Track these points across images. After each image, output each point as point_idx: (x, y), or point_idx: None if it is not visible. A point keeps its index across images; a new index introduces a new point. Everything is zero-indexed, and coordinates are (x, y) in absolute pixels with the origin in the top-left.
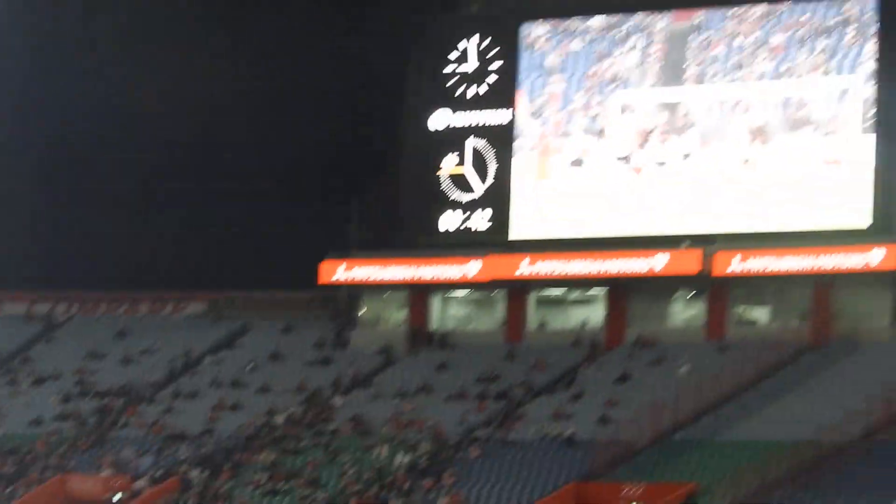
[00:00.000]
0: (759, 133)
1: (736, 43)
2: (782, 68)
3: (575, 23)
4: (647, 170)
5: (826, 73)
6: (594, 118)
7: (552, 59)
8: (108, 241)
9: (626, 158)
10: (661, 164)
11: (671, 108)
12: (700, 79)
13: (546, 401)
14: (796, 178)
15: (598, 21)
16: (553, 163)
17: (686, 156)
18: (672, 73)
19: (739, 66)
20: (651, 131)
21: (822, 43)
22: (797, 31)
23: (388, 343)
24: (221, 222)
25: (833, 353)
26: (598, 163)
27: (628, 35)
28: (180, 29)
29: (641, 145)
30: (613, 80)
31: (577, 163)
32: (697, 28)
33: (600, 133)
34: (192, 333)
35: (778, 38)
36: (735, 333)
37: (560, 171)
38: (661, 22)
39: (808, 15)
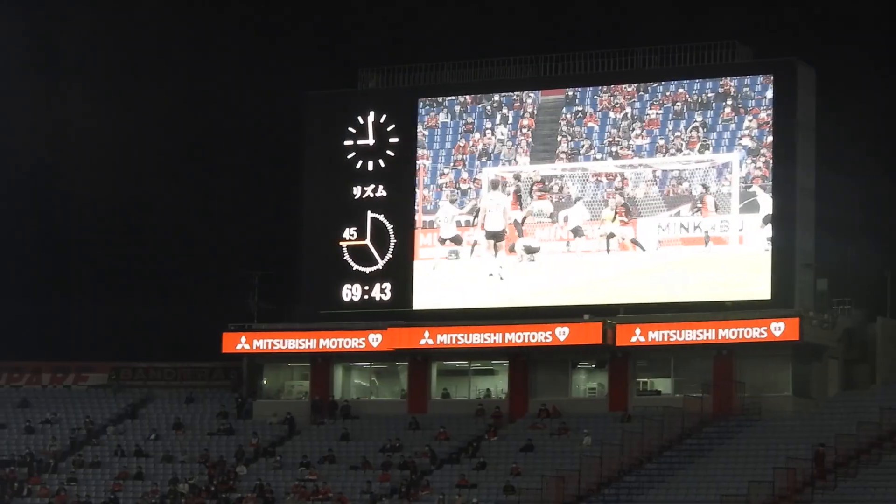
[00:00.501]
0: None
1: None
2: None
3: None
4: (526, 250)
5: (703, 149)
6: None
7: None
8: (9, 311)
9: (501, 237)
10: (537, 248)
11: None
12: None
13: (450, 470)
14: (684, 254)
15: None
16: (433, 238)
17: (568, 232)
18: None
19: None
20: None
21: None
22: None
23: (291, 413)
24: (123, 293)
25: (736, 424)
26: (475, 240)
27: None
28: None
29: (518, 225)
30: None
31: (457, 240)
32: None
33: (472, 211)
34: (94, 403)
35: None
36: (638, 404)
37: (442, 246)
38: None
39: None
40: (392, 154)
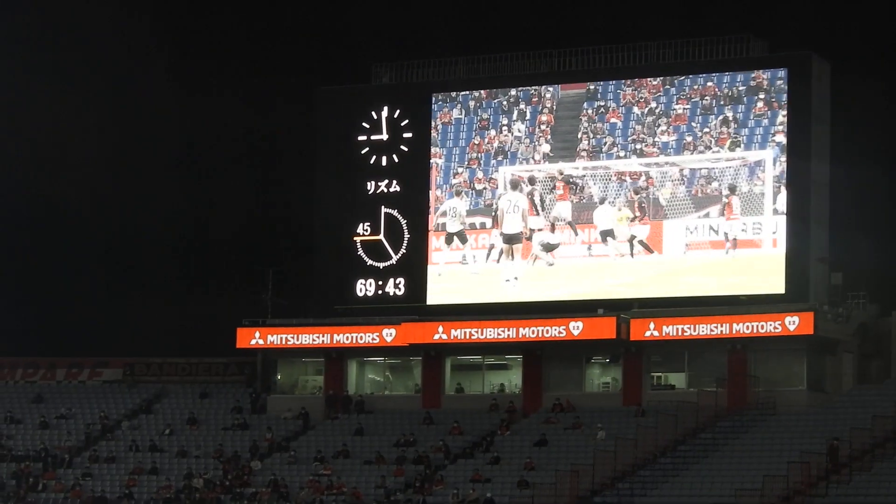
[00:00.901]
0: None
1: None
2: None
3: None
4: (544, 247)
5: (733, 146)
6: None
7: (431, 133)
8: (25, 307)
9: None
10: (556, 244)
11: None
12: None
13: (464, 465)
14: (706, 251)
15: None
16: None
17: (597, 235)
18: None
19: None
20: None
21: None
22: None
23: (306, 408)
24: (138, 289)
25: (750, 419)
26: (492, 244)
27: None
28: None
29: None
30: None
31: (462, 237)
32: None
33: (488, 212)
34: (109, 398)
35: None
36: (652, 398)
37: (449, 248)
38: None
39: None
40: (406, 149)
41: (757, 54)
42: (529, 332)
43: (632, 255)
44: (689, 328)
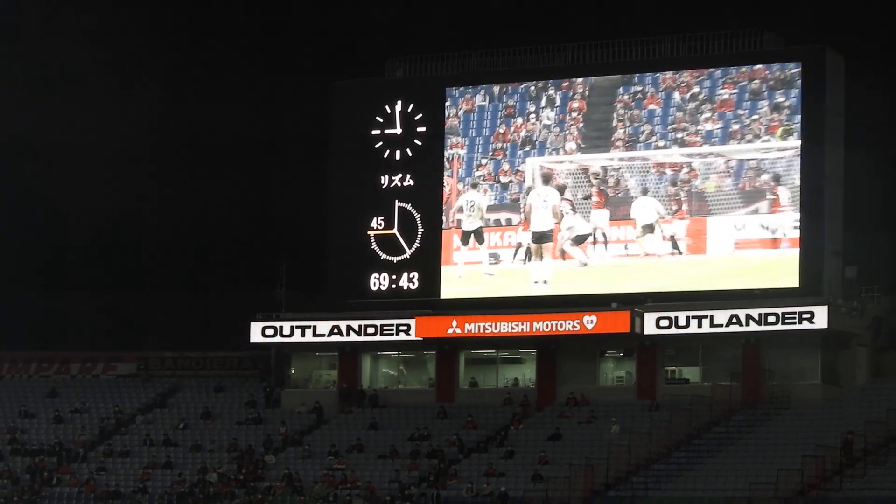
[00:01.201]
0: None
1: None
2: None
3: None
4: (574, 240)
5: (785, 135)
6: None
7: (451, 119)
8: (39, 301)
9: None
10: (586, 234)
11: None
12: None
13: (478, 459)
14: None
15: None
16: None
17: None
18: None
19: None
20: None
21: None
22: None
23: (319, 402)
24: (152, 283)
25: (764, 412)
26: (518, 242)
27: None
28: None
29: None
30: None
31: (479, 237)
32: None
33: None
34: (123, 392)
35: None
36: (666, 392)
37: (466, 248)
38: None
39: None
40: (419, 143)
41: (771, 48)
42: (543, 326)
43: (679, 252)
44: (704, 322)
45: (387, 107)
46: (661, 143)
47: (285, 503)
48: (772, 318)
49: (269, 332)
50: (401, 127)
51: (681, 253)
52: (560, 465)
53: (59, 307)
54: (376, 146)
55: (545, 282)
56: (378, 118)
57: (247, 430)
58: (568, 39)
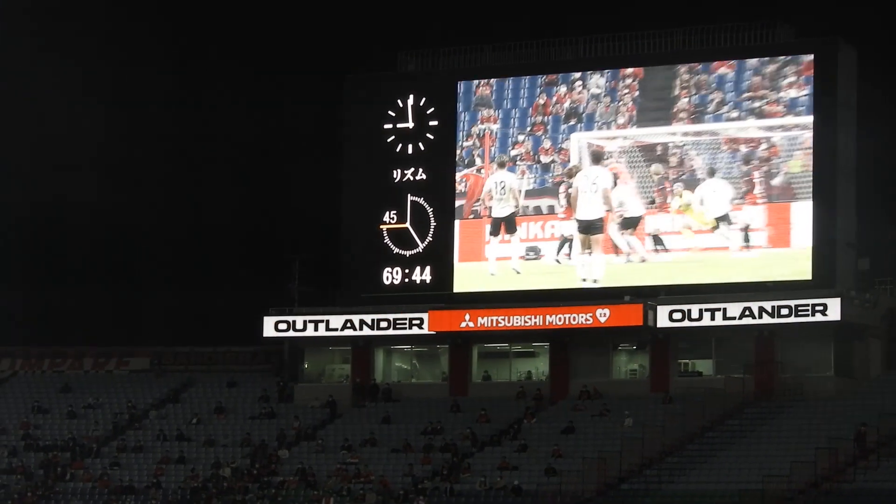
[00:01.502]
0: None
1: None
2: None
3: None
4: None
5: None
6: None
7: (482, 89)
8: (52, 297)
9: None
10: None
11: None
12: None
13: (491, 452)
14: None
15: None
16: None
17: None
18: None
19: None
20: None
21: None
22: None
23: (333, 396)
24: (165, 278)
25: (777, 405)
26: (562, 234)
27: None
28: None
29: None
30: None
31: (510, 226)
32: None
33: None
34: (136, 387)
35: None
36: (679, 385)
37: (496, 240)
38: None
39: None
40: (432, 137)
41: (783, 40)
42: (556, 319)
43: (749, 246)
44: (717, 315)
45: (399, 101)
46: (734, 115)
47: (299, 497)
48: (785, 311)
49: (282, 326)
50: (413, 121)
51: (749, 247)
52: (573, 459)
53: (72, 303)
54: (388, 140)
55: (595, 280)
56: (390, 112)
57: (260, 425)
58: (580, 33)
